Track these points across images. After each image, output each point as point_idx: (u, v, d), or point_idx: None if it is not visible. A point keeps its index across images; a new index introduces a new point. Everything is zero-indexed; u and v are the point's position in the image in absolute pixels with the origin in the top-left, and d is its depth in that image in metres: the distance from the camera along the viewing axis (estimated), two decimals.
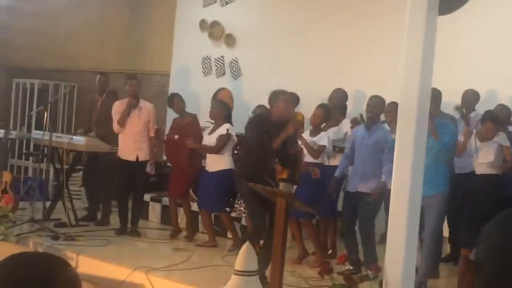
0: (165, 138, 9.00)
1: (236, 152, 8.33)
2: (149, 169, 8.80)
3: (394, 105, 6.46)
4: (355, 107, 8.61)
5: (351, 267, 5.58)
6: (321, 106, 7.84)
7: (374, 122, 7.09)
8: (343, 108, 8.15)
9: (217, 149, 8.09)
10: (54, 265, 1.86)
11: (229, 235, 8.43)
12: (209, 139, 8.23)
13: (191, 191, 8.94)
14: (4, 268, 1.85)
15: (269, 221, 6.49)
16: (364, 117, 7.95)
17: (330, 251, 7.79)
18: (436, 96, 6.00)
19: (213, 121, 8.49)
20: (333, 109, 8.06)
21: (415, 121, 4.03)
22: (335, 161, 7.72)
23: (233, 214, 8.46)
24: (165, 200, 9.36)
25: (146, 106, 8.83)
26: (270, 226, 6.44)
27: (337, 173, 7.27)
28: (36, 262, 1.86)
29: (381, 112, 7.16)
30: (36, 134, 9.52)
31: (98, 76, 9.57)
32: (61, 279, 1.84)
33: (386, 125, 7.25)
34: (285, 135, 6.50)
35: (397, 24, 8.26)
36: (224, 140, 8.07)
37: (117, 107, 8.73)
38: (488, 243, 1.48)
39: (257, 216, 6.75)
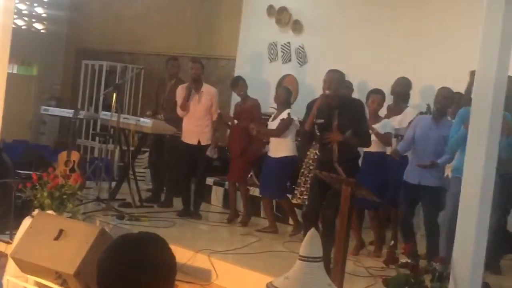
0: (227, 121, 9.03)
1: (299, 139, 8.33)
2: (210, 153, 8.82)
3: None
4: (422, 99, 8.48)
5: (409, 260, 5.53)
6: (374, 91, 7.70)
7: (442, 114, 6.96)
8: (406, 96, 7.98)
9: (278, 132, 8.07)
10: (157, 247, 2.07)
11: (290, 221, 8.44)
12: (272, 125, 8.24)
13: (253, 176, 8.97)
14: (116, 249, 2.04)
15: (333, 208, 6.46)
16: (431, 108, 7.83)
17: (392, 242, 7.71)
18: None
19: (276, 107, 8.48)
20: (396, 97, 7.94)
21: (489, 114, 3.95)
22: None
23: (294, 201, 8.47)
24: (227, 184, 9.41)
25: (208, 90, 8.85)
26: (333, 214, 6.42)
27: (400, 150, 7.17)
28: (144, 243, 2.06)
29: (450, 104, 6.98)
30: (103, 115, 9.69)
31: (169, 60, 9.64)
32: (163, 259, 2.06)
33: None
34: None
35: (466, 14, 8.25)
36: (285, 124, 8.05)
37: (180, 92, 8.80)
38: None
39: (311, 201, 6.80)
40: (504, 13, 3.92)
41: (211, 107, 8.80)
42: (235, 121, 8.72)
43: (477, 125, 4.01)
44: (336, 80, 6.72)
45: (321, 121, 6.66)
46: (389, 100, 7.98)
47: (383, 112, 7.88)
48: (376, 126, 7.46)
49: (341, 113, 6.58)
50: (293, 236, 8.00)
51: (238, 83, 8.77)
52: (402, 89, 7.93)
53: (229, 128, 9.02)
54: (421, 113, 7.88)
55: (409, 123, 7.46)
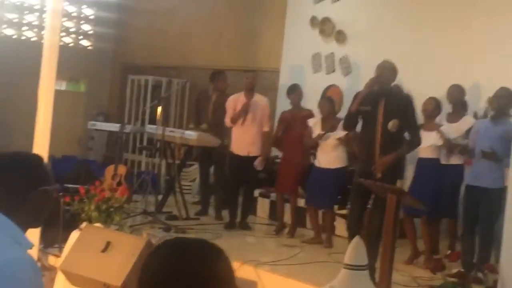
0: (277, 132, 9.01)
1: None
2: (257, 164, 8.81)
3: None
4: (473, 102, 8.37)
5: (462, 269, 5.45)
6: (431, 98, 7.64)
7: (501, 114, 6.81)
8: (464, 103, 7.88)
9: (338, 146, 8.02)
10: (211, 251, 1.90)
11: (337, 232, 8.39)
12: (330, 136, 8.13)
13: (299, 187, 8.94)
14: (164, 252, 1.89)
15: (378, 216, 6.41)
16: (478, 115, 7.73)
17: (449, 252, 7.59)
18: None
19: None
20: (454, 105, 7.84)
21: None
22: (453, 159, 7.42)
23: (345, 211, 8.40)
24: (274, 195, 9.40)
25: (261, 100, 8.86)
26: (378, 222, 6.37)
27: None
28: (196, 250, 1.89)
29: (509, 104, 6.84)
30: (149, 128, 9.80)
31: (216, 74, 9.68)
32: (218, 264, 1.88)
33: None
34: None
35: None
36: (345, 140, 7.96)
37: (232, 102, 8.82)
38: None
39: (354, 211, 6.76)
40: None
41: (263, 118, 8.80)
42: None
43: None
44: (388, 68, 6.71)
45: (367, 108, 6.63)
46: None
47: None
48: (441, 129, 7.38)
49: (388, 102, 6.55)
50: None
51: (295, 90, 8.77)
52: (457, 97, 7.83)
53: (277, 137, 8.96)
54: (475, 114, 7.78)
55: (467, 131, 7.35)
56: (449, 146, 7.28)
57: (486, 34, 8.83)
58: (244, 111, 8.63)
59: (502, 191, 6.52)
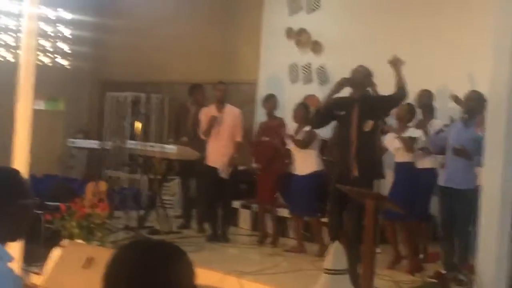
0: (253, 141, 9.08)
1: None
2: (223, 173, 8.82)
3: None
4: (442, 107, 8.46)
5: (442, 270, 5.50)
6: (404, 103, 7.73)
7: (472, 117, 6.92)
8: (431, 108, 8.00)
9: (304, 144, 8.06)
10: (174, 252, 1.96)
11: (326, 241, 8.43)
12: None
13: (280, 196, 8.99)
14: (129, 251, 1.96)
15: (355, 222, 6.48)
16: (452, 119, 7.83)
17: (421, 256, 7.67)
18: None
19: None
20: (423, 110, 7.95)
21: (505, 116, 3.95)
22: (425, 163, 7.52)
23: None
24: (255, 206, 9.44)
25: (232, 111, 8.92)
26: (356, 227, 6.44)
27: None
28: (155, 249, 1.96)
29: (480, 107, 6.93)
30: (129, 144, 9.81)
31: (194, 87, 9.74)
32: (180, 266, 1.94)
33: None
34: None
35: (479, 24, 8.23)
36: (310, 135, 8.05)
37: (204, 115, 8.88)
38: None
39: (333, 217, 6.83)
40: None
41: (235, 128, 8.84)
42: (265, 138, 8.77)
43: (494, 128, 4.02)
44: (361, 72, 6.81)
45: (342, 112, 6.74)
46: None
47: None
48: (404, 134, 7.49)
49: (363, 105, 6.66)
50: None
51: (270, 100, 8.87)
52: (426, 102, 7.94)
53: (253, 147, 9.04)
54: (450, 118, 7.86)
55: (437, 132, 7.45)
56: (407, 144, 7.37)
57: (456, 41, 8.93)
58: (211, 124, 8.67)
59: (474, 191, 6.63)
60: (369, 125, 6.68)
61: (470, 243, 6.57)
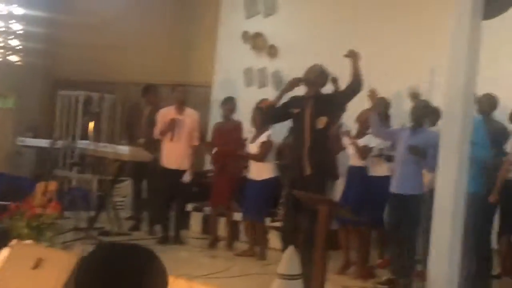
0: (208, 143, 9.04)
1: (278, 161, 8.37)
2: (186, 178, 8.80)
3: None
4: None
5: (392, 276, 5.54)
6: (365, 109, 7.80)
7: (419, 124, 7.01)
8: (387, 117, 8.08)
9: (261, 157, 8.10)
10: (144, 257, 1.89)
11: (270, 245, 8.45)
12: (252, 148, 8.27)
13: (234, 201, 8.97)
14: (97, 259, 1.86)
15: (309, 227, 6.51)
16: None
17: (378, 261, 7.73)
18: None
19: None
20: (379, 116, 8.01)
21: (459, 125, 4.01)
22: (381, 170, 7.57)
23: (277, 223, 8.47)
24: (207, 210, 9.42)
25: (191, 115, 8.89)
26: (311, 233, 6.46)
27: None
28: (128, 254, 1.88)
29: (426, 114, 7.04)
30: (81, 144, 9.68)
31: (148, 88, 9.66)
32: (151, 271, 1.88)
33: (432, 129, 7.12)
34: None
35: (435, 33, 8.34)
36: (266, 147, 8.10)
37: (162, 116, 8.81)
38: None
39: (287, 222, 6.85)
40: (470, 26, 4.01)
41: (193, 132, 8.81)
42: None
43: (448, 138, 4.08)
44: (315, 71, 6.85)
45: (297, 110, 6.77)
46: None
47: None
48: (360, 141, 7.55)
49: (316, 103, 6.71)
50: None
51: (229, 102, 8.86)
52: (382, 110, 8.00)
53: (210, 151, 9.00)
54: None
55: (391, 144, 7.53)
56: (362, 151, 7.42)
57: (414, 47, 9.03)
58: (172, 127, 8.63)
59: (421, 197, 6.73)
60: (322, 121, 6.73)
61: (417, 249, 6.69)
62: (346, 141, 7.74)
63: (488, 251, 6.90)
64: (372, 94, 7.02)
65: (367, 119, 7.60)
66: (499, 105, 7.55)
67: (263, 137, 8.13)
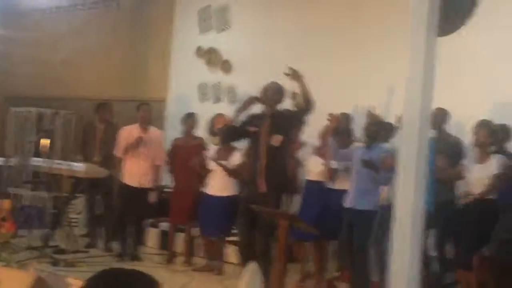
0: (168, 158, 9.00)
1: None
2: (152, 197, 8.79)
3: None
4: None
5: None
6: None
7: (372, 140, 7.12)
8: (350, 132, 8.15)
9: (236, 174, 8.05)
10: (147, 285, 1.94)
11: (229, 259, 8.46)
12: (216, 165, 8.14)
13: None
14: (100, 285, 1.89)
15: (267, 242, 6.57)
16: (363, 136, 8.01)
17: (339, 272, 7.80)
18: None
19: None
20: (341, 134, 8.07)
21: (417, 140, 4.11)
22: (341, 184, 7.58)
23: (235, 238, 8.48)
24: (163, 225, 9.39)
25: (155, 133, 8.88)
26: (268, 247, 6.52)
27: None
28: (131, 281, 1.93)
29: (379, 131, 7.15)
30: (35, 161, 9.57)
31: (101, 105, 9.60)
32: None
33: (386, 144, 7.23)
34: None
35: (391, 49, 8.49)
36: (242, 166, 8.03)
37: (125, 133, 8.76)
38: (501, 239, 1.55)
39: (244, 236, 6.90)
40: (426, 43, 4.11)
41: (156, 151, 8.78)
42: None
43: (406, 153, 4.16)
44: (272, 89, 6.91)
45: (255, 129, 6.82)
46: None
47: None
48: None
49: (273, 121, 6.78)
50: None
51: (190, 118, 8.84)
52: (344, 126, 8.07)
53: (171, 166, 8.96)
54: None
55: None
56: (330, 173, 7.51)
57: (371, 61, 9.14)
58: (136, 145, 8.59)
59: (374, 212, 6.83)
60: (277, 139, 6.80)
61: (367, 263, 6.79)
62: (314, 159, 7.75)
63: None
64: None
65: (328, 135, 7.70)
66: (452, 119, 7.76)
67: (237, 157, 8.06)
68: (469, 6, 4.25)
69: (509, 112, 7.84)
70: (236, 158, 8.04)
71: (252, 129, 6.88)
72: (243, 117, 7.00)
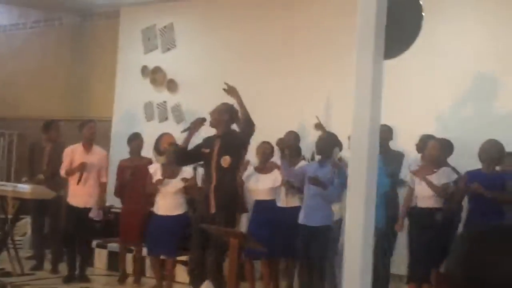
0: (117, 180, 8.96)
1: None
2: (94, 214, 8.73)
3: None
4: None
5: None
6: (265, 142, 7.96)
7: (325, 157, 7.20)
8: (298, 149, 8.25)
9: (193, 191, 8.04)
10: None
11: (177, 279, 8.48)
12: (168, 183, 8.13)
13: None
14: None
15: (218, 261, 6.64)
16: (308, 159, 8.13)
17: None
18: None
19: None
20: (288, 151, 8.16)
21: (367, 158, 4.23)
22: (291, 201, 7.68)
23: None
24: (111, 246, 9.34)
25: (99, 152, 8.82)
26: (220, 266, 6.59)
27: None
28: None
29: (332, 147, 7.24)
30: None
31: (48, 124, 9.48)
32: None
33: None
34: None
35: (337, 70, 8.68)
36: (193, 182, 8.02)
37: (69, 153, 8.66)
38: (456, 254, 1.65)
39: (195, 255, 6.96)
40: (373, 66, 4.25)
41: (101, 170, 8.74)
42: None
43: (356, 170, 4.28)
44: (220, 111, 7.00)
45: (207, 150, 6.91)
46: None
47: None
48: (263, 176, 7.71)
49: (223, 142, 6.88)
50: None
51: (136, 139, 8.84)
52: (292, 143, 8.16)
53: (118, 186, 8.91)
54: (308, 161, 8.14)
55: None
56: (288, 185, 7.57)
57: (315, 80, 9.30)
58: (81, 170, 8.51)
59: (329, 228, 6.95)
60: (226, 161, 6.90)
61: (324, 279, 6.91)
62: (256, 177, 7.84)
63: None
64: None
65: (265, 151, 7.80)
66: (396, 135, 7.99)
67: (188, 172, 8.06)
68: (413, 31, 4.41)
69: (448, 127, 8.16)
70: (188, 173, 8.05)
71: (204, 150, 6.97)
72: (194, 139, 7.09)
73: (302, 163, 8.00)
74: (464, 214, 7.17)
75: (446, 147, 7.40)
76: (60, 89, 12.29)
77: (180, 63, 10.91)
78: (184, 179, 7.97)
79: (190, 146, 7.33)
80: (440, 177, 7.01)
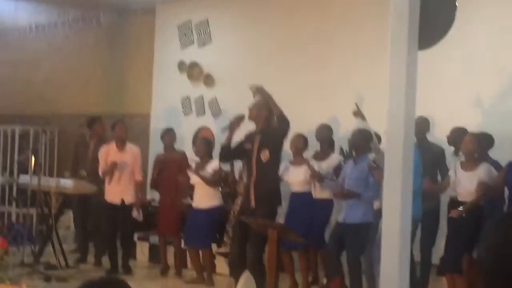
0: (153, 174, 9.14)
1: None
2: (135, 214, 8.90)
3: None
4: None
5: None
6: (299, 135, 8.02)
7: (360, 154, 7.20)
8: (331, 142, 8.32)
9: (215, 183, 8.23)
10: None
11: (217, 270, 8.61)
12: (195, 177, 8.35)
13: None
14: None
15: (256, 251, 6.75)
16: (345, 150, 8.18)
17: (325, 281, 7.96)
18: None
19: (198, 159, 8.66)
20: (321, 143, 8.24)
21: (402, 151, 4.28)
22: (324, 194, 7.74)
23: (223, 250, 8.64)
24: (153, 239, 9.51)
25: (132, 150, 8.96)
26: (256, 257, 6.70)
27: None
28: (103, 286, 2.12)
29: (367, 143, 7.24)
30: (23, 179, 9.66)
31: (93, 121, 9.67)
32: None
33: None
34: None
35: (373, 60, 8.69)
36: (218, 174, 8.23)
37: (103, 154, 8.85)
38: (488, 242, 1.72)
39: (235, 248, 7.07)
40: (407, 57, 4.30)
41: (135, 168, 8.89)
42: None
43: (392, 164, 4.33)
44: (256, 106, 7.09)
45: (248, 145, 7.04)
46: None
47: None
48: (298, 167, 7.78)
49: (262, 137, 6.98)
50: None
51: (168, 133, 9.02)
52: (325, 136, 8.23)
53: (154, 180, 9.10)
54: (344, 156, 8.16)
55: (334, 168, 7.78)
56: (319, 176, 7.63)
57: (347, 74, 9.35)
58: (111, 170, 8.67)
59: (368, 225, 6.94)
60: (265, 155, 6.99)
61: (360, 274, 6.95)
62: (294, 169, 7.91)
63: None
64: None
65: (298, 144, 7.86)
66: (434, 127, 7.98)
67: (213, 165, 8.26)
68: (447, 21, 4.44)
69: (487, 120, 8.11)
70: (213, 166, 8.21)
71: (246, 145, 7.09)
72: (235, 136, 7.20)
73: (333, 156, 8.04)
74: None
75: (484, 140, 7.19)
76: (98, 86, 12.49)
77: (216, 57, 11.01)
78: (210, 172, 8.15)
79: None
80: (480, 175, 6.82)
